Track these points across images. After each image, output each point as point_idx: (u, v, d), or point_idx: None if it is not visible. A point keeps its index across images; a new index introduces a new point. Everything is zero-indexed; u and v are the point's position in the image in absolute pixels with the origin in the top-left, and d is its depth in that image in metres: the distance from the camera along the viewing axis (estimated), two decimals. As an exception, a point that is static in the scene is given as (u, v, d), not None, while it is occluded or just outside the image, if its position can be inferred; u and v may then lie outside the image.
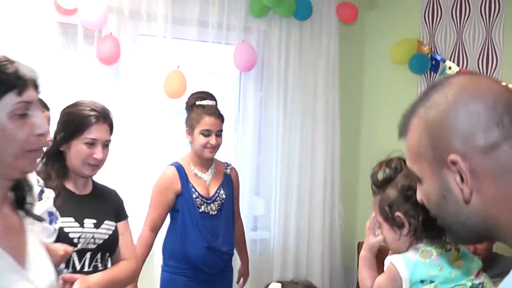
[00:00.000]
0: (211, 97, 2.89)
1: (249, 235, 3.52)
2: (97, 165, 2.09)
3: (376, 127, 4.21)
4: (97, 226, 2.08)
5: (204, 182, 2.88)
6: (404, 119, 1.04)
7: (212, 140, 2.79)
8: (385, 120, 4.15)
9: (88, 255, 2.06)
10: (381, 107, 4.18)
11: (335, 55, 3.94)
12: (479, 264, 1.57)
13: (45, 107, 1.87)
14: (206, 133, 2.79)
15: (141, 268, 2.67)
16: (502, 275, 3.09)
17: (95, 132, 2.05)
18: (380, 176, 1.63)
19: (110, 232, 2.12)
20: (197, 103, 2.84)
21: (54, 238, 1.87)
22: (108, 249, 2.13)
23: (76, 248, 2.00)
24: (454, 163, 0.93)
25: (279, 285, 1.61)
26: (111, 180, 3.05)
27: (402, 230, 1.56)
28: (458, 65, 3.69)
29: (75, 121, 2.05)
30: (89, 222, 2.07)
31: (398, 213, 1.55)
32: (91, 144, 2.04)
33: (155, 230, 2.85)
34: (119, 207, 2.24)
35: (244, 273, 3.18)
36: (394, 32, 4.01)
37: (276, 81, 3.80)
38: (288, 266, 3.81)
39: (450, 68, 3.71)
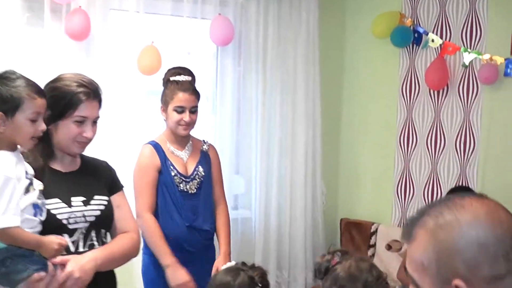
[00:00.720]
0: (187, 72, 2.80)
1: (230, 214, 3.43)
2: (86, 142, 1.99)
3: (357, 102, 4.13)
4: (86, 203, 1.97)
5: (182, 160, 2.81)
6: (411, 225, 1.07)
7: (186, 117, 2.71)
8: (367, 95, 4.08)
9: (81, 234, 1.95)
10: (362, 82, 4.10)
11: (315, 28, 3.83)
12: None
13: (41, 93, 1.75)
14: (180, 110, 2.71)
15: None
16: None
17: (85, 110, 1.92)
18: (320, 267, 1.82)
19: (102, 207, 2.01)
20: (171, 78, 2.76)
21: (38, 229, 1.79)
22: (102, 225, 2.02)
23: (71, 239, 1.91)
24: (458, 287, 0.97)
25: (233, 263, 1.87)
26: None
27: None
28: (441, 38, 3.61)
29: (63, 99, 1.90)
30: (77, 200, 1.96)
31: None
32: (81, 122, 1.93)
33: (153, 212, 2.74)
34: (112, 178, 2.13)
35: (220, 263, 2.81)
36: (376, 5, 3.90)
37: (255, 56, 3.68)
38: (270, 245, 3.74)
39: (433, 40, 3.62)
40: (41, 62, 2.97)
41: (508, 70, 3.37)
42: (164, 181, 2.74)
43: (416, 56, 3.79)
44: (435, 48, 3.65)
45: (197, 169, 2.82)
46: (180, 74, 2.76)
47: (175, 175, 2.74)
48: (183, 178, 2.76)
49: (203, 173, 2.83)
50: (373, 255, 3.78)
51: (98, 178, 2.07)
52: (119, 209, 2.08)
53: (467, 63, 3.49)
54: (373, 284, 1.73)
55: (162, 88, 2.81)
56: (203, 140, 2.97)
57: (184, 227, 2.74)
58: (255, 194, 3.75)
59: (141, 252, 2.84)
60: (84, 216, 1.95)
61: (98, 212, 1.99)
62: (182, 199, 2.75)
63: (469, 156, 3.54)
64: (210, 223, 2.87)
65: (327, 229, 4.02)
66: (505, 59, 3.32)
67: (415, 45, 3.78)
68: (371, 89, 4.05)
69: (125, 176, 3.00)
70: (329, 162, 4.10)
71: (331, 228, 4.11)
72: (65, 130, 1.92)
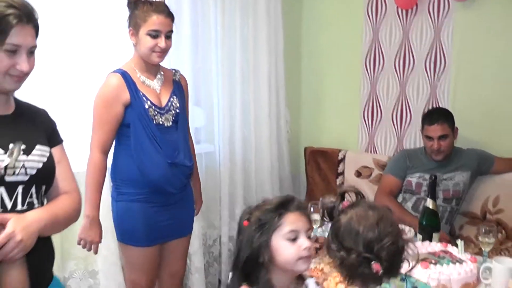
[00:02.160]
0: None
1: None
2: (22, 77, 1.61)
3: (320, 22, 3.89)
4: (27, 152, 1.61)
5: (154, 91, 2.49)
6: None
7: (161, 42, 2.40)
8: (329, 15, 3.85)
9: (20, 189, 1.59)
10: (324, 1, 3.84)
11: None
12: None
13: None
14: (154, 34, 2.38)
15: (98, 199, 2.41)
16: (460, 168, 2.98)
17: (18, 36, 1.54)
18: (325, 210, 1.61)
19: (45, 159, 1.66)
20: None
21: None
22: (44, 180, 1.68)
23: (8, 194, 1.57)
24: None
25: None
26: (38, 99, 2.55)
27: None
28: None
29: None
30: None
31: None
32: (13, 52, 1.55)
33: (106, 152, 2.43)
34: (52, 129, 1.79)
35: (197, 199, 2.79)
36: None
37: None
38: (236, 178, 3.53)
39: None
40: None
41: (482, -14, 3.25)
42: (137, 115, 2.40)
43: (383, -28, 3.58)
44: (403, -37, 3.44)
45: (171, 99, 2.52)
46: None
47: (150, 107, 2.42)
48: (158, 110, 2.45)
49: (178, 105, 2.54)
50: (342, 183, 3.69)
51: (37, 125, 1.73)
52: (59, 165, 1.75)
53: (438, -21, 3.34)
54: (373, 245, 1.44)
55: (128, 9, 2.42)
56: (173, 69, 2.66)
57: (166, 165, 2.45)
58: (218, 126, 3.48)
59: (110, 199, 2.56)
60: (24, 167, 1.60)
61: (40, 165, 1.64)
62: (159, 133, 2.44)
63: (439, 75, 3.46)
64: (190, 158, 2.61)
65: (292, 160, 3.86)
66: (480, -26, 3.20)
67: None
68: (333, 7, 3.81)
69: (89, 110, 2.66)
70: (292, 88, 3.88)
71: (296, 158, 3.97)
72: None
